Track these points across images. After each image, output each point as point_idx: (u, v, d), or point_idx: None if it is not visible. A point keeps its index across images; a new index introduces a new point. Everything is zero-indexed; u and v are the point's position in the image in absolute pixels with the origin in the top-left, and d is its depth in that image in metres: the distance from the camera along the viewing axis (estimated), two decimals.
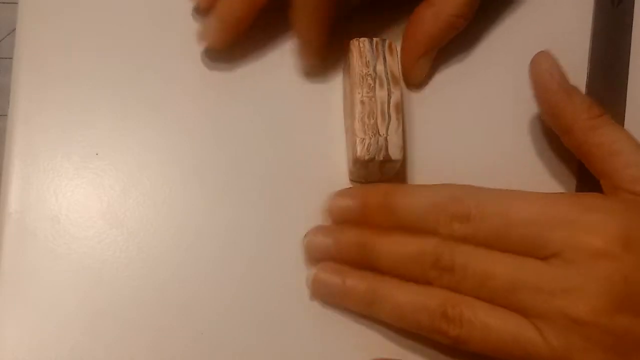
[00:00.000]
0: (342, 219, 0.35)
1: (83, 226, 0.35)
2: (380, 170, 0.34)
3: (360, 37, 0.35)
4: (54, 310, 0.34)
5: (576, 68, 0.38)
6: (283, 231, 0.35)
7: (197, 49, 0.38)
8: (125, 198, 0.36)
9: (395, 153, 0.33)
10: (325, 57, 0.37)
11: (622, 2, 0.38)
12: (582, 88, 0.38)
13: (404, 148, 0.33)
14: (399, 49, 0.36)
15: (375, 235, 0.33)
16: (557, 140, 0.36)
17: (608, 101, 0.37)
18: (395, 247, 0.33)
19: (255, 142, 0.37)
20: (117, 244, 0.35)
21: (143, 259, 0.35)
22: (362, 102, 0.34)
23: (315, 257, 0.34)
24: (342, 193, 0.35)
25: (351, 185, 0.36)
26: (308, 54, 0.37)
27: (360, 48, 0.34)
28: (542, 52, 0.34)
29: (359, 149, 0.33)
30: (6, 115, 0.37)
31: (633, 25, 0.39)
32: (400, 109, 0.34)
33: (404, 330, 0.33)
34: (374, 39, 0.35)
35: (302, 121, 0.37)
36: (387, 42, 0.35)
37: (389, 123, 0.33)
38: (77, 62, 0.37)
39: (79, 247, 0.35)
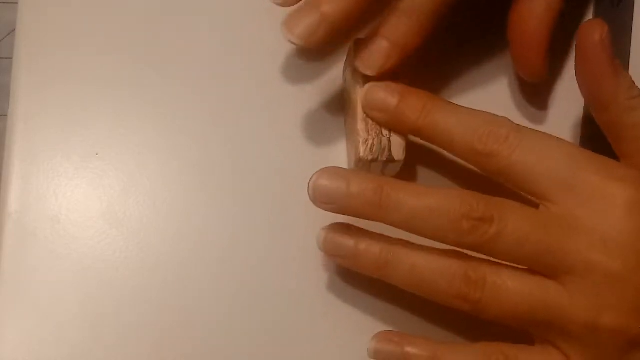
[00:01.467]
0: (322, 201, 0.32)
1: (83, 226, 0.35)
2: (383, 170, 0.34)
3: (361, 37, 0.35)
4: (54, 310, 0.34)
5: None
6: (283, 232, 0.35)
7: (197, 48, 0.38)
8: (125, 198, 0.36)
9: (398, 153, 0.33)
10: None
11: (622, 2, 0.38)
12: None
13: (406, 148, 0.33)
14: None
15: (393, 185, 0.31)
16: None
17: None
18: (416, 198, 0.31)
19: (255, 141, 0.37)
20: (117, 244, 0.35)
21: (143, 259, 0.35)
22: None
23: (324, 201, 0.32)
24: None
25: None
26: (395, 57, 0.33)
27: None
28: (594, 20, 0.32)
29: (362, 149, 0.33)
30: (6, 115, 0.37)
31: (633, 25, 0.39)
32: None
33: (417, 298, 0.32)
34: None
35: (302, 121, 0.37)
36: None
37: None
38: (77, 62, 0.37)
39: (79, 247, 0.35)
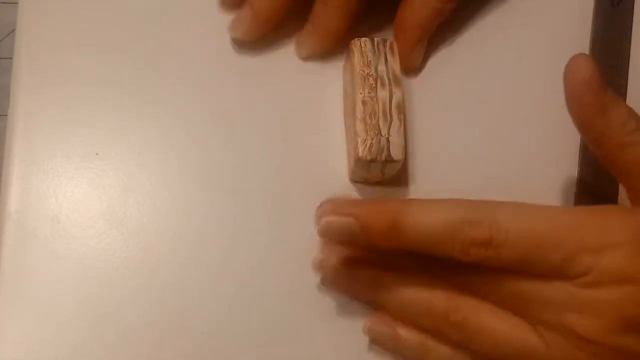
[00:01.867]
0: (339, 240, 0.32)
1: (83, 226, 0.35)
2: (382, 170, 0.34)
3: (361, 37, 0.35)
4: (54, 310, 0.34)
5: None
6: (283, 231, 0.35)
7: (197, 48, 0.38)
8: (125, 198, 0.36)
9: (397, 153, 0.33)
10: (330, 49, 0.37)
11: (622, 2, 0.38)
12: None
13: (405, 148, 0.33)
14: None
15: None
16: (557, 140, 0.36)
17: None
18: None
19: (255, 142, 0.37)
20: (117, 244, 0.35)
21: (143, 259, 0.35)
22: (364, 102, 0.34)
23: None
24: (335, 209, 0.31)
25: (352, 185, 0.36)
26: (320, 42, 0.37)
27: (362, 48, 0.34)
28: (579, 56, 0.31)
29: (360, 149, 0.33)
30: (6, 115, 0.37)
31: (633, 25, 0.39)
32: (402, 109, 0.34)
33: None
34: (375, 39, 0.35)
35: (302, 121, 0.37)
36: (388, 42, 0.35)
37: (390, 123, 0.33)
38: (77, 62, 0.37)
39: (79, 247, 0.35)
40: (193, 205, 0.36)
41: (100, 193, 0.36)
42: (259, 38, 0.37)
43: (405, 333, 0.33)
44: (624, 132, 0.30)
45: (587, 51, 0.38)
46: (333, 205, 0.31)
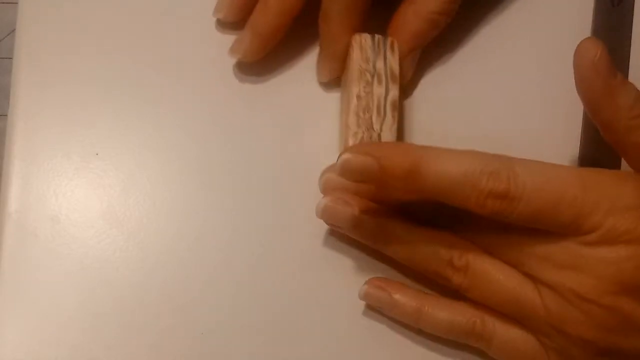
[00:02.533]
0: (356, 178, 0.31)
1: (83, 226, 0.35)
2: None
3: (362, 33, 0.35)
4: (54, 310, 0.34)
5: None
6: (283, 231, 0.35)
7: (197, 49, 0.38)
8: (125, 198, 0.36)
9: None
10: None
11: (622, 2, 0.38)
12: None
13: None
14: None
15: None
16: (555, 141, 0.36)
17: None
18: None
19: (255, 141, 0.37)
20: (117, 244, 0.35)
21: (143, 259, 0.35)
22: (359, 97, 0.34)
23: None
24: (354, 149, 0.31)
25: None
26: (332, 62, 0.36)
27: (362, 43, 0.34)
28: (588, 40, 0.31)
29: (351, 141, 0.33)
30: (6, 115, 0.37)
31: (633, 25, 0.39)
32: (397, 107, 0.34)
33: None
34: (376, 36, 0.35)
35: (302, 121, 0.37)
36: (389, 39, 0.35)
37: (383, 119, 0.33)
38: (77, 62, 0.37)
39: (79, 247, 0.35)
40: (193, 205, 0.36)
41: (100, 193, 0.36)
42: (260, 58, 0.37)
43: (400, 297, 0.33)
44: (631, 115, 0.31)
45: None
46: (353, 146, 0.32)
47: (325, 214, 0.33)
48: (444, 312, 0.33)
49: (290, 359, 0.34)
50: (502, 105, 0.38)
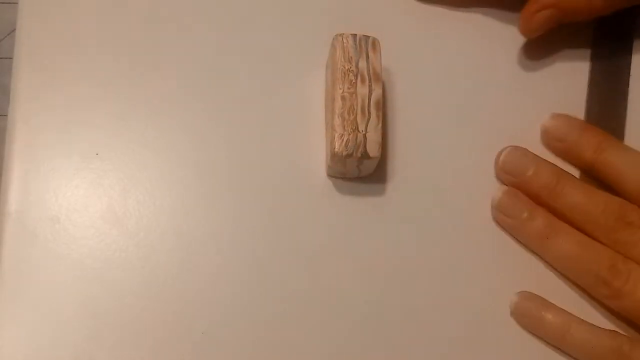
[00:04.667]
0: (507, 171, 0.36)
1: (83, 226, 0.35)
2: (358, 166, 0.34)
3: (343, 33, 0.35)
4: (54, 310, 0.34)
5: (576, 68, 0.38)
6: (283, 231, 0.35)
7: (196, 49, 0.38)
8: (125, 198, 0.36)
9: (373, 150, 0.33)
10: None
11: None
12: (583, 89, 0.38)
13: (382, 145, 0.33)
14: (382, 46, 0.35)
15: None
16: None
17: (609, 103, 0.38)
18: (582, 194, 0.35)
19: (255, 141, 0.37)
20: (117, 244, 0.35)
21: (143, 259, 0.35)
22: (343, 98, 0.34)
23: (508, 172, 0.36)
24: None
25: (328, 180, 0.36)
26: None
27: (344, 43, 0.34)
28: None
29: (337, 144, 0.33)
30: (6, 115, 0.37)
31: (633, 25, 0.38)
32: (381, 106, 0.34)
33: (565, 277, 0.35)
34: (358, 35, 0.35)
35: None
36: (370, 38, 0.35)
37: (368, 120, 0.33)
38: (77, 62, 0.37)
39: (79, 247, 0.35)
40: (193, 205, 0.36)
41: (100, 193, 0.36)
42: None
43: (550, 316, 0.34)
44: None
45: (588, 56, 0.38)
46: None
47: (494, 211, 0.36)
48: (591, 335, 0.34)
49: (289, 358, 0.34)
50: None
